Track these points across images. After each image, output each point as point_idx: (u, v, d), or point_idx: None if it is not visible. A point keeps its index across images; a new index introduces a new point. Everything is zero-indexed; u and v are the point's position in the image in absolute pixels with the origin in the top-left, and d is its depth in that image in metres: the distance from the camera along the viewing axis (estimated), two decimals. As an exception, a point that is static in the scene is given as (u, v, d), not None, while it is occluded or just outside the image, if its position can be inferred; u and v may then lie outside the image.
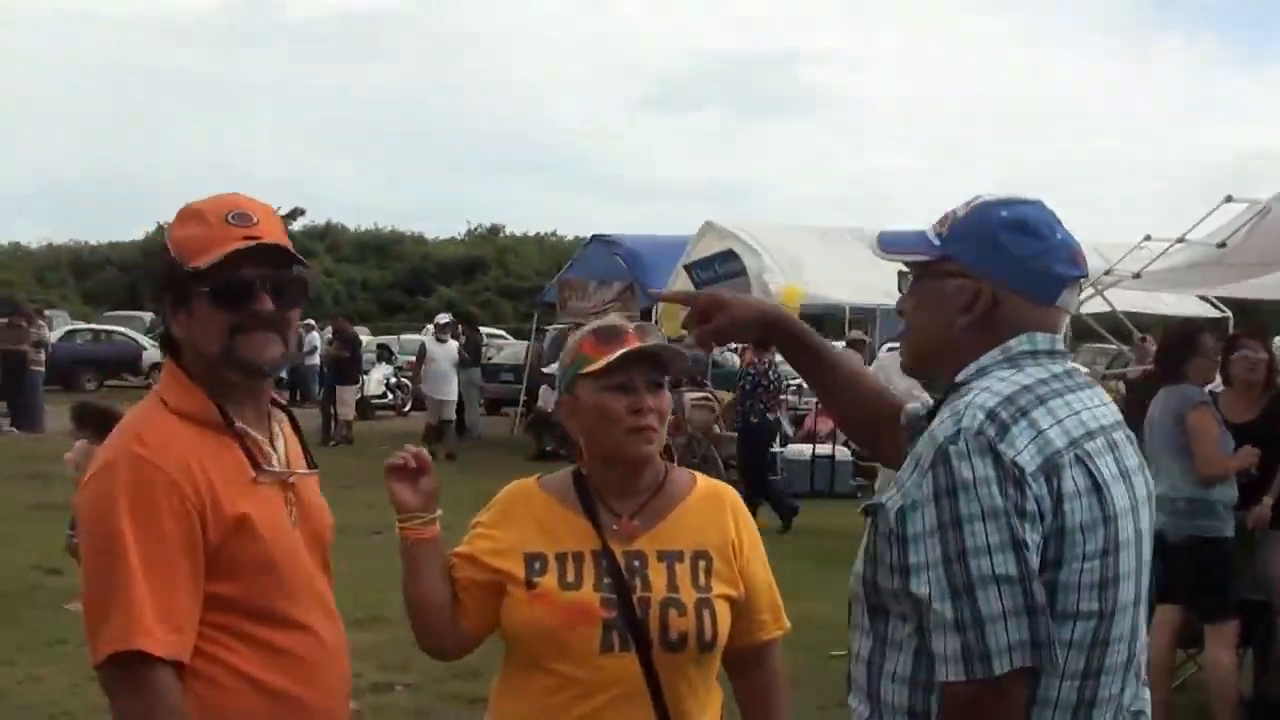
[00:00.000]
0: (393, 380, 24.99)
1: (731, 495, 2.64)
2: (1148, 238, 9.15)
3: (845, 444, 15.71)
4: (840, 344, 19.60)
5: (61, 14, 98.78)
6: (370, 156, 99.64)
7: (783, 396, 15.62)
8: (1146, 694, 2.06)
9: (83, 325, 32.91)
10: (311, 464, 2.42)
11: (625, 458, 2.48)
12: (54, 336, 23.62)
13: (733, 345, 14.38)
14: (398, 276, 56.55)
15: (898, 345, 2.39)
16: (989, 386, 1.94)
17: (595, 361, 2.46)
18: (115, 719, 2.12)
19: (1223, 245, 7.67)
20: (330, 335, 21.28)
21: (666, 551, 2.49)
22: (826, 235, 16.85)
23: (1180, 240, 8.36)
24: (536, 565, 2.47)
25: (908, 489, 1.92)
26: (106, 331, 31.34)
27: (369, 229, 62.33)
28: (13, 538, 10.52)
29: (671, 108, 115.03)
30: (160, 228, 61.30)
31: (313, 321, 24.08)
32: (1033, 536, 1.83)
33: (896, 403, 2.44)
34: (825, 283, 15.26)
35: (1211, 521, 5.83)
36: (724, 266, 16.09)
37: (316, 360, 23.25)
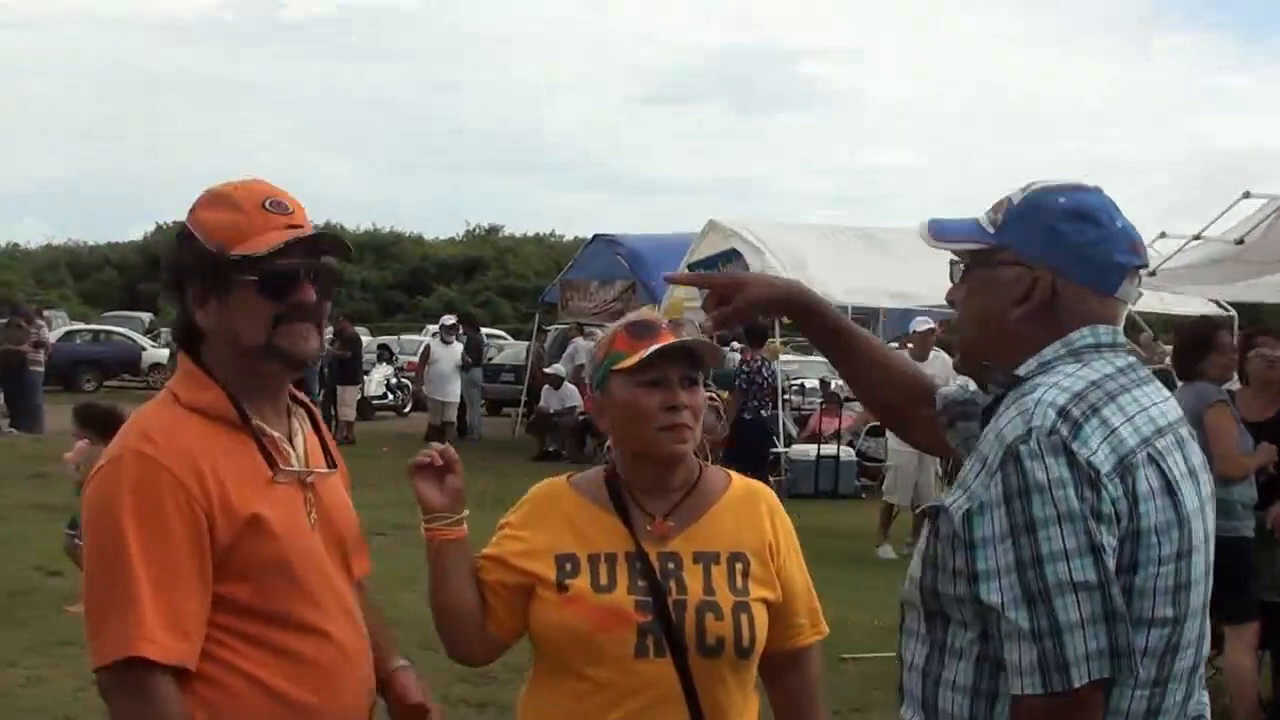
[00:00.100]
0: (393, 381, 24.92)
1: (768, 494, 2.56)
2: (1162, 234, 9.03)
3: (850, 444, 15.68)
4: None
5: (61, 14, 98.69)
6: (369, 156, 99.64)
7: (785, 397, 15.56)
8: (1205, 698, 1.98)
9: (82, 326, 32.88)
10: (331, 462, 2.34)
11: (658, 456, 2.41)
12: (53, 337, 23.51)
13: (734, 345, 14.28)
14: (397, 277, 56.52)
15: (897, 346, 2.31)
16: (1056, 383, 1.85)
17: (628, 357, 2.39)
18: None
19: (1240, 242, 7.59)
20: (331, 335, 21.20)
21: (702, 553, 2.41)
22: (830, 234, 16.80)
23: (1197, 237, 8.27)
24: (568, 567, 2.39)
25: (974, 491, 1.83)
26: (106, 332, 31.32)
27: (368, 229, 62.25)
28: (13, 539, 10.44)
29: (670, 105, 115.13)
30: (160, 228, 61.38)
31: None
32: (1109, 540, 1.75)
33: (929, 384, 2.35)
34: (828, 282, 15.14)
35: (1230, 521, 5.74)
36: (727, 265, 16.01)
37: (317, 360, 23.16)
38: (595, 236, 20.96)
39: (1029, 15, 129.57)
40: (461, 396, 19.14)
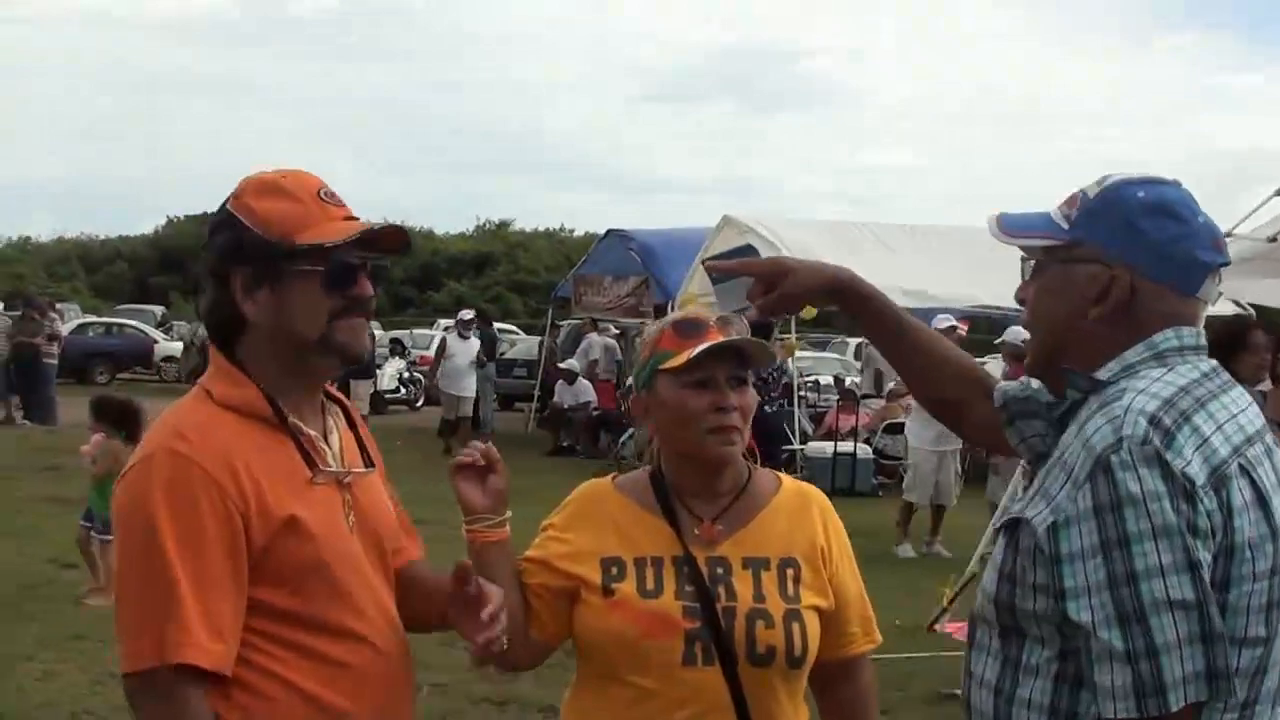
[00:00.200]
0: (406, 375, 24.89)
1: (819, 498, 2.48)
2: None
3: (866, 442, 15.58)
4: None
5: (75, 12, 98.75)
6: (378, 152, 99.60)
7: (800, 393, 15.47)
8: None
9: (95, 319, 32.93)
10: (368, 461, 2.26)
11: (706, 458, 2.33)
12: (66, 330, 23.51)
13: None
14: (407, 272, 56.44)
15: None
16: (1144, 388, 1.76)
17: (675, 356, 2.31)
18: None
19: (1273, 240, 7.49)
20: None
21: (752, 558, 2.33)
22: (845, 231, 16.65)
23: (1229, 235, 8.16)
24: (614, 570, 2.32)
25: (1060, 503, 1.74)
26: (118, 325, 31.38)
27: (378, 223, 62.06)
28: (28, 531, 10.42)
29: (671, 104, 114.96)
30: (170, 221, 61.53)
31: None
32: (1205, 556, 1.66)
33: (983, 377, 2.26)
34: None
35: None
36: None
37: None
38: (608, 232, 20.87)
39: (1030, 15, 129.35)
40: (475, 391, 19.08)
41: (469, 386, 18.13)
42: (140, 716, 1.97)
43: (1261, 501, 1.73)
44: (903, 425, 14.54)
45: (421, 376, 23.47)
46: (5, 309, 22.78)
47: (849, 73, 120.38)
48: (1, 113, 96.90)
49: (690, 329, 2.34)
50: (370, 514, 2.19)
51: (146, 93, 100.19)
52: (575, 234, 60.22)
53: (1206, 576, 1.66)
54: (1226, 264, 1.89)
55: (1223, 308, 15.24)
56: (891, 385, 16.67)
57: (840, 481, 14.49)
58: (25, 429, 18.94)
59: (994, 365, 10.55)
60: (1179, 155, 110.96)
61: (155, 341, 30.20)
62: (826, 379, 20.36)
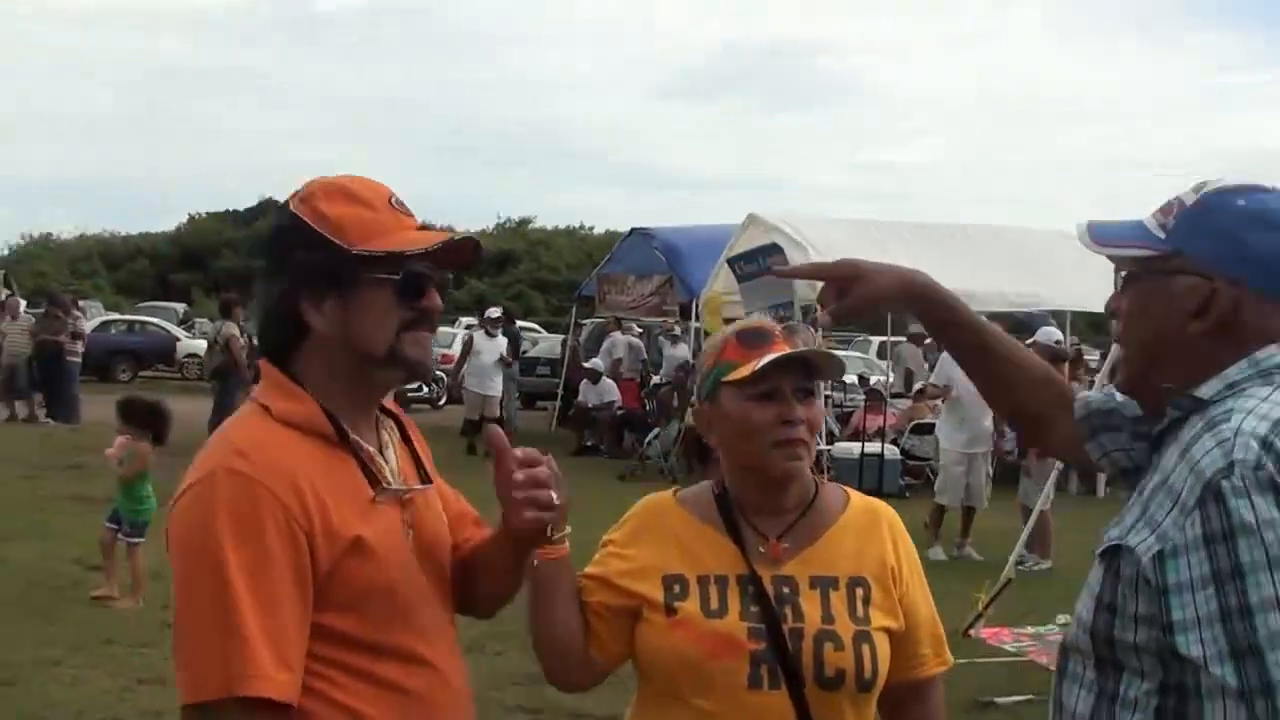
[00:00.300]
0: (428, 373, 24.80)
1: (889, 514, 2.39)
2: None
3: (894, 443, 15.47)
4: (901, 339, 19.41)
5: (95, 9, 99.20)
6: (398, 149, 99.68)
7: (827, 393, 15.36)
8: None
9: (117, 316, 33.03)
10: (426, 477, 2.17)
11: (772, 473, 2.25)
12: (88, 327, 23.53)
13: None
14: (428, 269, 56.41)
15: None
16: (1253, 409, 1.67)
17: (740, 367, 2.23)
18: None
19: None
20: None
21: (820, 577, 2.25)
22: (872, 229, 16.54)
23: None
24: (676, 589, 2.24)
25: (1166, 530, 1.64)
26: (141, 322, 31.44)
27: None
28: (53, 531, 10.41)
29: (694, 99, 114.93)
30: (192, 218, 61.60)
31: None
32: None
33: (1065, 388, 2.17)
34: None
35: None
36: (767, 260, 15.78)
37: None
38: (632, 230, 20.82)
39: (1053, 10, 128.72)
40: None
41: (495, 385, 18.02)
42: None
43: None
44: (930, 426, 14.46)
45: (444, 375, 23.43)
46: (28, 307, 22.85)
47: (870, 68, 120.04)
48: (23, 110, 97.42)
49: (755, 339, 2.26)
50: (429, 532, 2.11)
51: (168, 89, 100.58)
52: (595, 231, 60.14)
53: None
54: None
55: None
56: (919, 385, 16.56)
57: (868, 482, 14.35)
58: (48, 427, 18.99)
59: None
60: (1194, 153, 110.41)
61: (178, 339, 30.26)
62: (851, 378, 20.22)
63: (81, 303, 25.93)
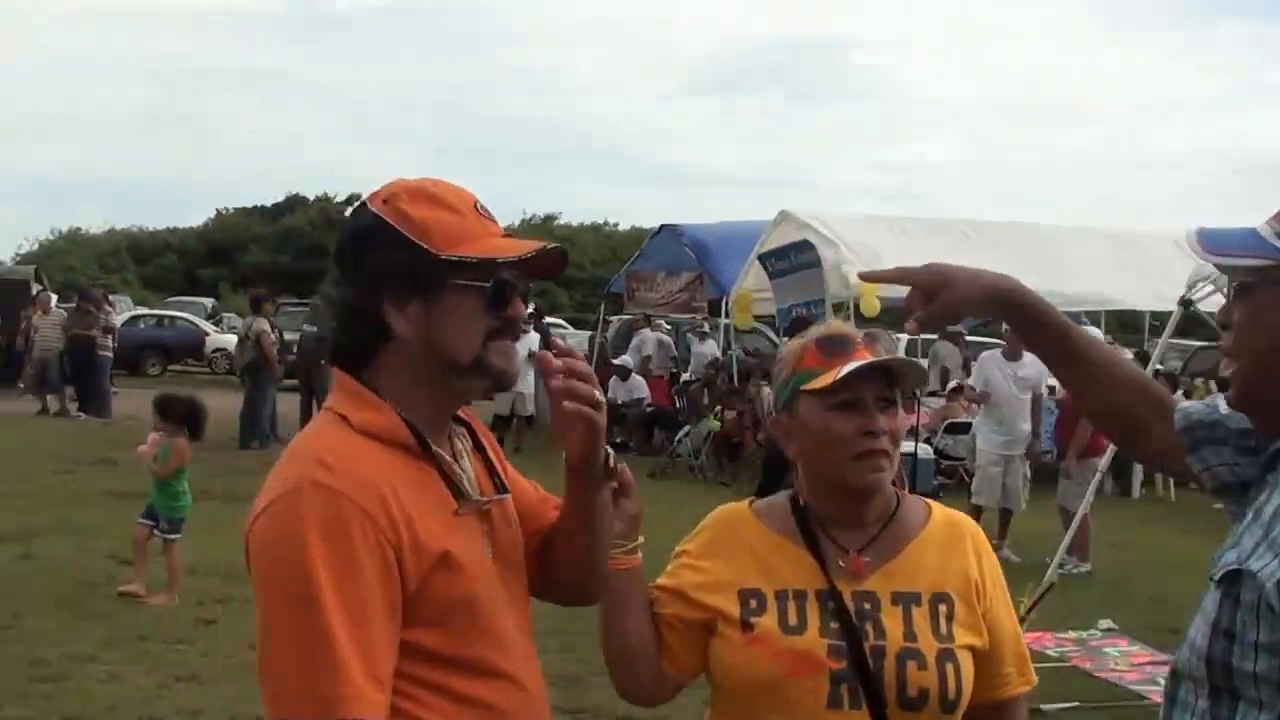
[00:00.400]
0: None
1: (972, 527, 2.31)
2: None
3: (927, 441, 15.34)
4: (934, 336, 19.25)
5: (124, 7, 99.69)
6: (422, 146, 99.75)
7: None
8: None
9: (146, 311, 33.14)
10: (502, 487, 2.10)
11: (852, 485, 2.17)
12: (118, 322, 23.61)
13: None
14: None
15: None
16: None
17: (820, 376, 2.15)
18: None
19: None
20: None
21: (902, 593, 2.17)
22: (902, 227, 16.43)
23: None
24: (753, 603, 2.17)
25: None
26: (170, 317, 31.55)
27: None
28: (87, 528, 10.38)
29: (720, 96, 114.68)
30: (220, 213, 61.73)
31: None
32: None
33: (1164, 396, 2.08)
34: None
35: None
36: (799, 257, 15.71)
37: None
38: (661, 227, 20.75)
39: (1079, 8, 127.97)
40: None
41: (528, 382, 17.95)
42: None
43: None
44: (965, 425, 14.33)
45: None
46: (58, 301, 22.93)
47: (895, 65, 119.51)
48: (52, 106, 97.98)
49: (836, 346, 2.18)
50: (506, 540, 2.04)
51: (195, 86, 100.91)
52: (621, 228, 60.05)
53: None
54: None
55: None
56: (955, 383, 16.43)
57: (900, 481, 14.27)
58: (80, 421, 19.06)
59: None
60: (1223, 148, 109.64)
61: (206, 334, 30.35)
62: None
63: (112, 297, 26.02)
